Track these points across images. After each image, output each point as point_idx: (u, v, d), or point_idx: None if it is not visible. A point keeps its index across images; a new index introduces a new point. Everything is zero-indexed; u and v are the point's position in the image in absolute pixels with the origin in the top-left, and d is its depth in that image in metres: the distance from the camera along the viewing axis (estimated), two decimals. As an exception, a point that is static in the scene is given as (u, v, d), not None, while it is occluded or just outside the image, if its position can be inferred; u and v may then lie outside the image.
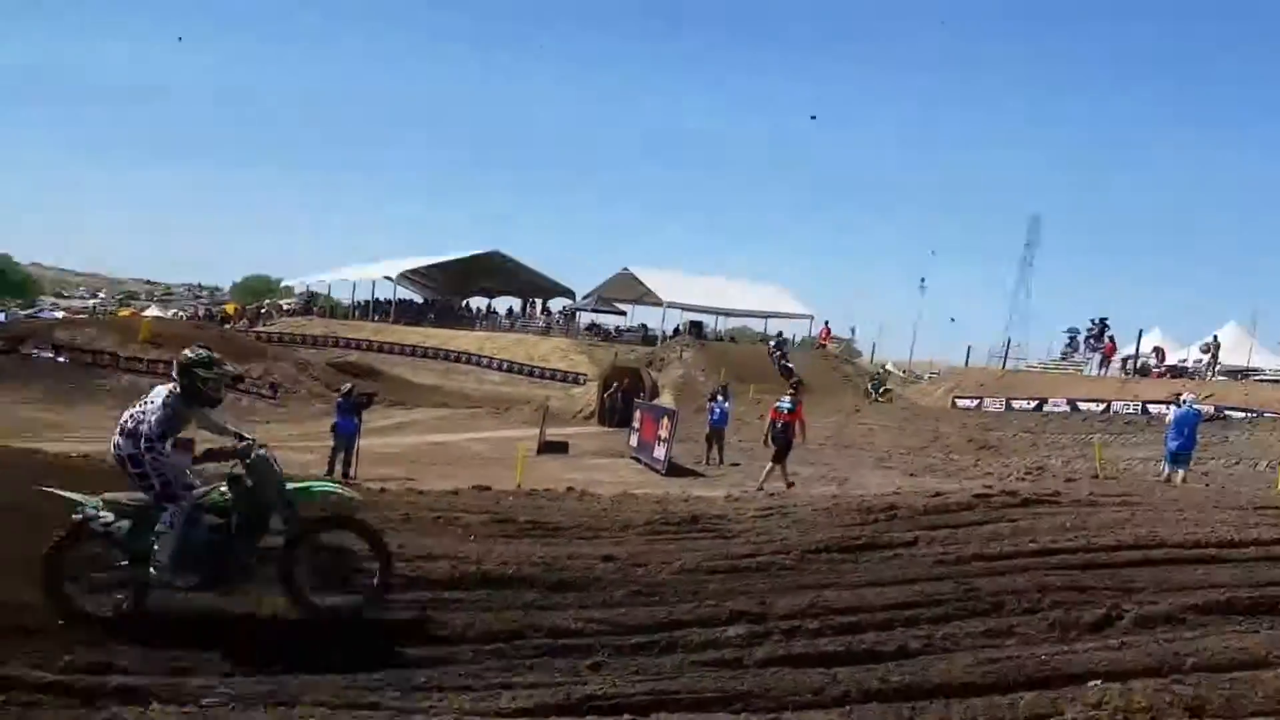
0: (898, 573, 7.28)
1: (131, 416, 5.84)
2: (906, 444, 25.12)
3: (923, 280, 53.69)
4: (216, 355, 6.08)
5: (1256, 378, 33.43)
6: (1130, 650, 5.23)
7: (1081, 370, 38.50)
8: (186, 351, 6.09)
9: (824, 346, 47.89)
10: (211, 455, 6.21)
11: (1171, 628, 5.63)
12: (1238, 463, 19.99)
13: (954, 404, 36.53)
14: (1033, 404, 33.14)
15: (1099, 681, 4.73)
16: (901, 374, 53.25)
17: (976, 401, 35.60)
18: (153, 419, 5.75)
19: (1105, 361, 36.91)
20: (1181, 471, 16.72)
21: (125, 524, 5.71)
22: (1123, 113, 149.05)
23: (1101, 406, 31.36)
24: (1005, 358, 42.88)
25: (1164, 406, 22.88)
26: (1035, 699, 4.60)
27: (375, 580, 6.05)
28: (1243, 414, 27.54)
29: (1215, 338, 35.04)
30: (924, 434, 26.71)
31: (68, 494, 5.81)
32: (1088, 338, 39.09)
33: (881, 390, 39.46)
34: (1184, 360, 36.52)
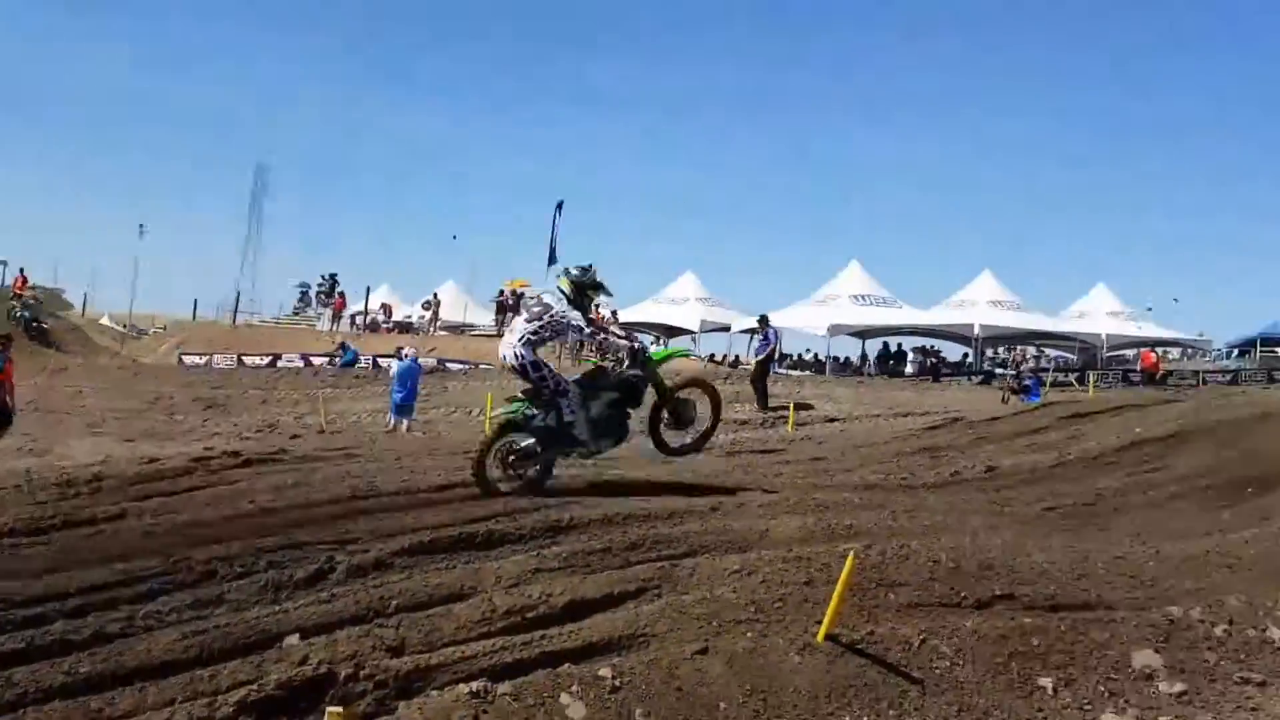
0: (99, 551, 6.74)
1: (531, 333, 7.95)
2: (124, 406, 23.47)
3: (142, 226, 50.40)
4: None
5: (473, 332, 38.42)
6: (340, 601, 5.54)
7: (314, 325, 40.11)
8: (574, 272, 8.15)
9: (19, 296, 42.16)
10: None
11: (381, 573, 6.09)
12: (455, 411, 22.62)
13: (180, 361, 35.27)
14: (266, 359, 33.54)
15: (296, 637, 4.94)
16: (121, 328, 49.52)
17: (205, 358, 34.85)
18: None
19: (337, 316, 38.99)
20: (406, 421, 18.44)
21: (551, 416, 7.87)
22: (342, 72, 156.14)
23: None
24: (236, 312, 42.63)
25: (390, 360, 25.00)
26: (239, 666, 4.63)
27: (707, 426, 8.62)
28: (461, 365, 31.42)
29: (436, 295, 39.43)
30: (145, 395, 25.27)
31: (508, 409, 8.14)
32: (319, 293, 40.84)
33: (31, 322, 35.67)
34: (409, 316, 40.38)
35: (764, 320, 21.91)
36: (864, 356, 44.12)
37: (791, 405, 18.73)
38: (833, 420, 19.55)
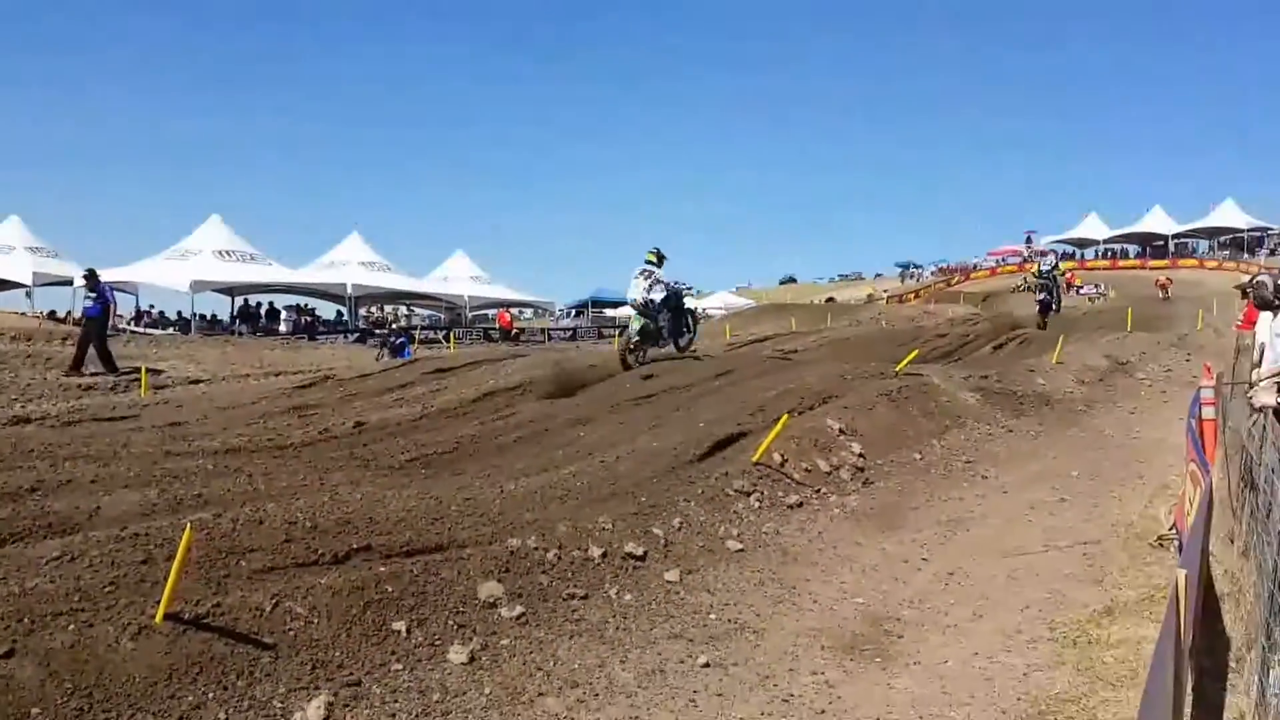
0: None
1: (644, 287, 14.68)
2: None
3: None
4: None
5: None
6: None
7: None
8: (656, 249, 14.98)
9: None
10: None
11: None
12: None
13: None
14: None
15: None
16: None
17: None
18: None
19: None
20: None
21: (652, 326, 14.75)
22: None
23: None
24: None
25: None
26: None
27: (690, 334, 15.81)
28: None
29: None
30: None
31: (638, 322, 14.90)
32: None
33: None
34: None
35: (92, 275, 19.40)
36: (234, 314, 42.04)
37: (143, 369, 17.07)
38: (196, 382, 18.27)
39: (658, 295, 14.73)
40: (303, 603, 4.96)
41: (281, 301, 43.89)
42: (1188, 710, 4.03)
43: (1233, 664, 4.72)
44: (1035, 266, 30.39)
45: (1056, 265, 28.99)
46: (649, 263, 14.86)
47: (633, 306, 15.07)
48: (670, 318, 14.98)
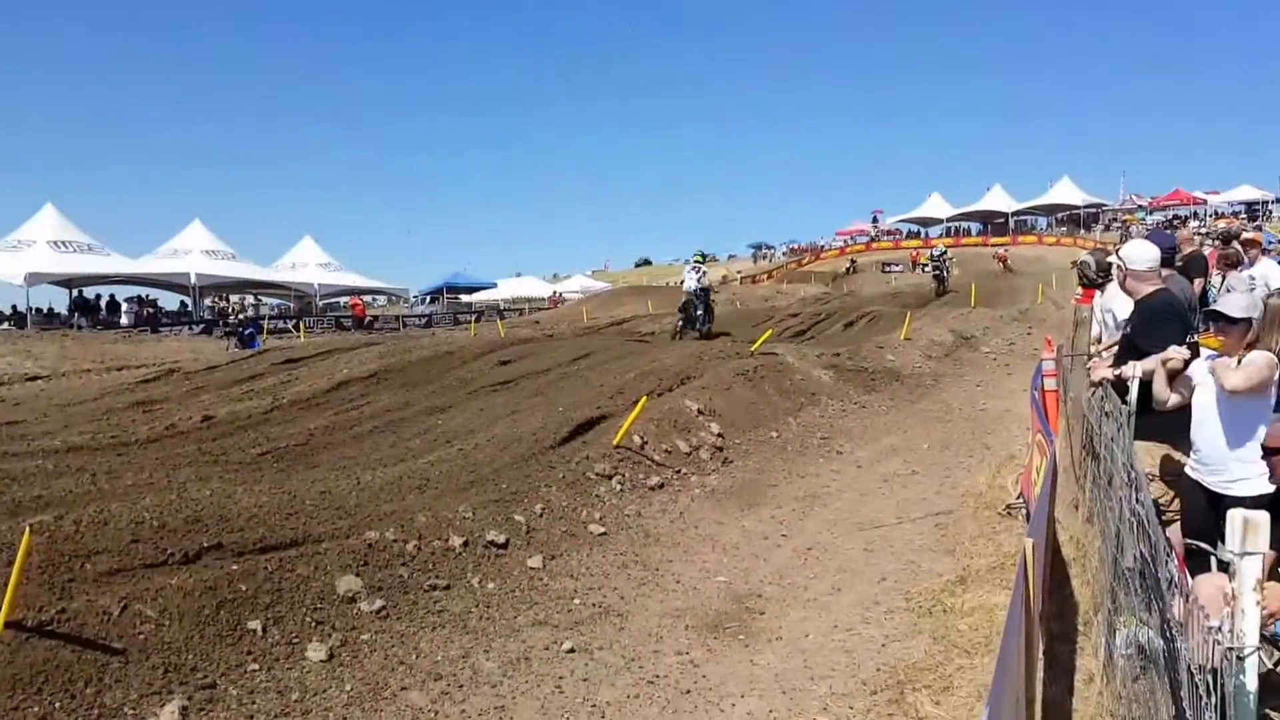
0: None
1: (695, 278, 19.26)
2: None
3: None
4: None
5: None
6: None
7: None
8: (699, 252, 21.76)
9: None
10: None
11: None
12: None
13: None
14: None
15: None
16: None
17: None
18: (707, 279, 20.01)
19: None
20: None
21: (694, 310, 19.71)
22: None
23: None
24: None
25: None
26: None
27: (712, 320, 19.75)
28: None
29: None
30: None
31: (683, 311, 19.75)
32: None
33: None
34: None
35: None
36: (72, 307, 39.83)
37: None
38: (34, 379, 17.44)
39: (704, 284, 19.45)
40: (152, 605, 4.84)
41: (122, 293, 41.86)
42: (1040, 674, 4.24)
43: (1081, 627, 4.98)
44: (928, 254, 37.98)
45: (945, 251, 36.30)
46: (698, 260, 20.14)
47: (686, 293, 19.47)
48: (704, 307, 19.44)
